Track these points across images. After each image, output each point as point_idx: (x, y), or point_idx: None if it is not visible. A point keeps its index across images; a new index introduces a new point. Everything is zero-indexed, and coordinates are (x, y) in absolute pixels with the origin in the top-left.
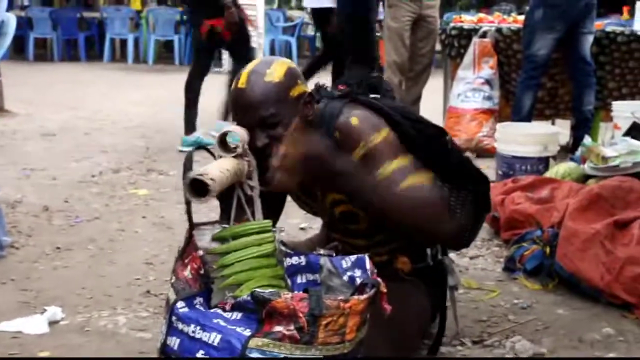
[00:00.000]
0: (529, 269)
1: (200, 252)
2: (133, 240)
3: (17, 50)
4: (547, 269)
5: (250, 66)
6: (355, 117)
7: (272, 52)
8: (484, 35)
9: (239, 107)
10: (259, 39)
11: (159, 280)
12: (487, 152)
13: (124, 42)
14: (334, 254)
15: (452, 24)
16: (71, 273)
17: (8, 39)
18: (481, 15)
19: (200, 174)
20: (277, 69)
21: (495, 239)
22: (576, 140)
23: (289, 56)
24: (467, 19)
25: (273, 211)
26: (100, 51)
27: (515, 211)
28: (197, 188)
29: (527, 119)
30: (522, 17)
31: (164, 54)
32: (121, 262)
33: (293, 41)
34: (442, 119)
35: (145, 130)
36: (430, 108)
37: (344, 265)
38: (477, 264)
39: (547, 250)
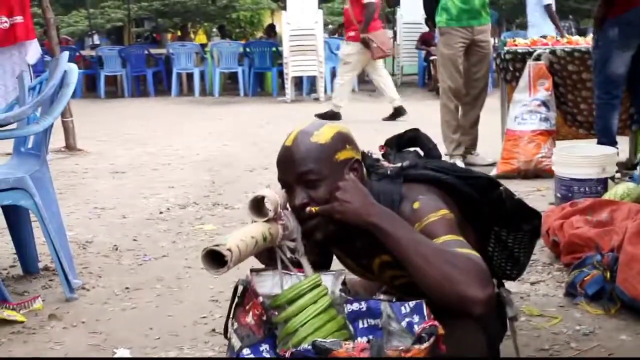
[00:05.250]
0: (590, 294)
1: (261, 299)
2: (199, 277)
3: (89, 89)
4: (609, 293)
5: (300, 126)
6: (417, 202)
7: (333, 78)
8: (538, 57)
9: (281, 163)
10: (319, 67)
11: (224, 318)
12: (546, 173)
13: (190, 76)
14: (394, 300)
15: (505, 48)
16: (139, 314)
17: (71, 89)
18: (534, 37)
19: (217, 244)
20: (325, 131)
21: (555, 263)
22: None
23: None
24: (521, 42)
25: (323, 264)
26: (168, 86)
27: (574, 235)
28: (215, 258)
29: (615, 139)
30: (576, 38)
31: (229, 86)
32: (188, 301)
33: None
34: (500, 141)
35: (212, 164)
36: (488, 131)
37: (403, 312)
38: (538, 290)
39: (608, 275)
